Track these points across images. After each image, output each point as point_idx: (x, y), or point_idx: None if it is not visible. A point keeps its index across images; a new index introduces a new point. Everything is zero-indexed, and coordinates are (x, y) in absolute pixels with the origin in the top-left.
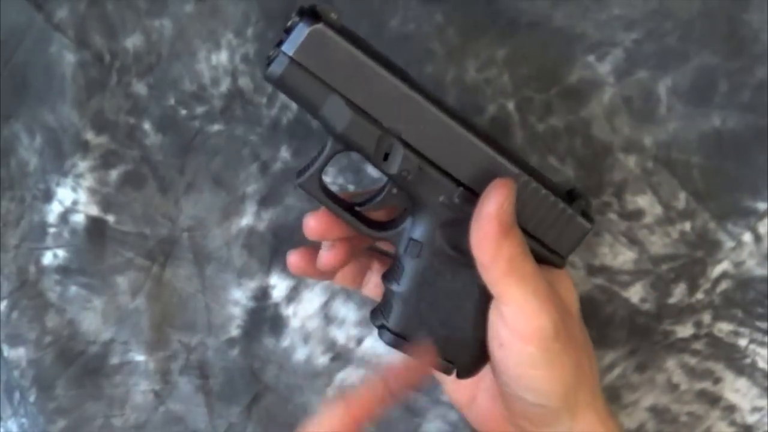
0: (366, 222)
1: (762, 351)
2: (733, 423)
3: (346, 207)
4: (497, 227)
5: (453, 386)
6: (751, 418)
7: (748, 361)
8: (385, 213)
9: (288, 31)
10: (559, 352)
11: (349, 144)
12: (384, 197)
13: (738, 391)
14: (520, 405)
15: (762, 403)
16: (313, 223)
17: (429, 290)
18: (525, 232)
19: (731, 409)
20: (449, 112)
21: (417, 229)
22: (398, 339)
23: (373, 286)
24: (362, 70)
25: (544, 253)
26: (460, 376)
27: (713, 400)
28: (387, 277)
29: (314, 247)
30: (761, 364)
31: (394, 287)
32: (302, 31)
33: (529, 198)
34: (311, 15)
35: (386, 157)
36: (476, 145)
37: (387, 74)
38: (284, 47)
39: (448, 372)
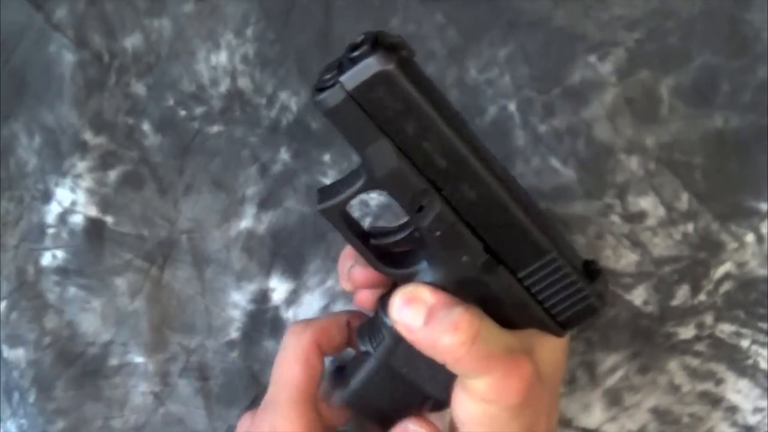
0: (378, 255)
1: (764, 352)
2: (734, 424)
3: (361, 237)
4: (413, 338)
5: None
6: (752, 419)
7: (750, 362)
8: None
9: (353, 60)
10: (509, 418)
11: (384, 188)
12: (404, 238)
13: (740, 392)
14: None
15: (764, 404)
16: (360, 277)
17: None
18: (534, 298)
19: (733, 410)
20: (497, 176)
21: (430, 275)
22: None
23: None
24: (421, 122)
25: (548, 321)
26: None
27: (715, 401)
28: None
29: None
30: (763, 365)
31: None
32: (369, 69)
33: (549, 273)
34: (384, 49)
35: (420, 209)
36: (517, 217)
37: (445, 129)
38: (344, 79)
39: None
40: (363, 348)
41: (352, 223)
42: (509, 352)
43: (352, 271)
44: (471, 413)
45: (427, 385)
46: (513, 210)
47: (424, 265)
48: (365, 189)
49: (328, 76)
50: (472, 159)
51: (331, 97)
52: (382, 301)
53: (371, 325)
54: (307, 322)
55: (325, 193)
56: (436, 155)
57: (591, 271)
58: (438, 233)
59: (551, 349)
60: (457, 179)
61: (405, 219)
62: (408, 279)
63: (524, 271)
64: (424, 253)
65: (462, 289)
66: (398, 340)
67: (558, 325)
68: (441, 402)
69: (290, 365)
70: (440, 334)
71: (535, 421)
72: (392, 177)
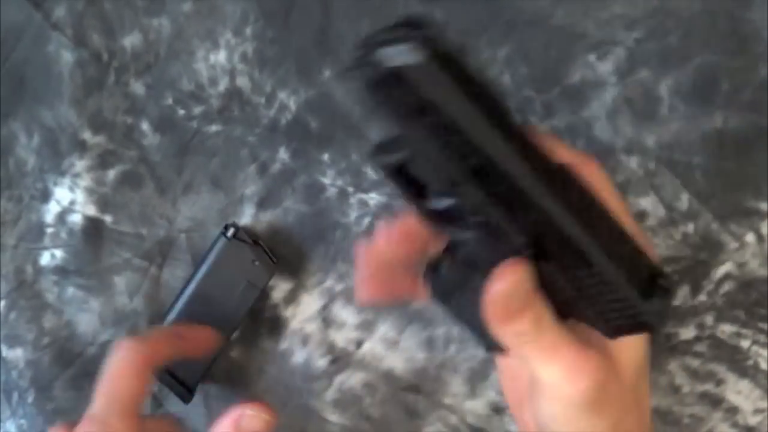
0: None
1: (764, 352)
2: (735, 425)
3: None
4: (495, 313)
5: (508, 383)
6: (753, 420)
7: (750, 362)
8: None
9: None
10: (588, 417)
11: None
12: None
13: (740, 392)
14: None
15: (764, 404)
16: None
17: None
18: (585, 300)
19: (733, 410)
20: (532, 177)
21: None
22: None
23: None
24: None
25: (598, 324)
26: None
27: (715, 402)
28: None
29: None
30: (763, 366)
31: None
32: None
33: (596, 282)
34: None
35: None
36: (556, 220)
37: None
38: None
39: None
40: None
41: (411, 181)
42: (576, 344)
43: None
44: (549, 414)
45: None
46: (552, 213)
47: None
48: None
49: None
50: (501, 159)
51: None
52: None
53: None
54: (139, 337)
55: (383, 148)
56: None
57: (654, 285)
58: (477, 219)
59: (629, 347)
60: (490, 178)
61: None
62: (460, 233)
63: (571, 274)
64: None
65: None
66: None
67: (609, 330)
68: None
69: (122, 379)
70: (504, 318)
71: (618, 420)
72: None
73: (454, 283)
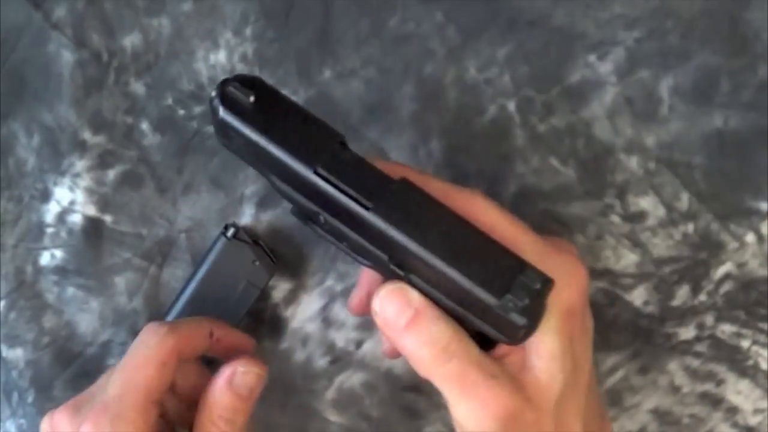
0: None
1: (764, 353)
2: (735, 425)
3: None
4: (389, 331)
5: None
6: (753, 420)
7: (750, 362)
8: None
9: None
10: None
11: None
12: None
13: (740, 393)
14: None
15: (764, 404)
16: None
17: None
18: (466, 311)
19: (734, 411)
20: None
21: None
22: None
23: None
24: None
25: (491, 332)
26: None
27: (715, 402)
28: None
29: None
30: (764, 366)
31: None
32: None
33: (452, 289)
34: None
35: (314, 221)
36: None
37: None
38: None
39: None
40: None
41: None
42: (488, 379)
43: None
44: None
45: None
46: (382, 227)
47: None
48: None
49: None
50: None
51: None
52: None
53: None
54: (171, 325)
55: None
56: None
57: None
58: (344, 244)
59: (546, 373)
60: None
61: None
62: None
63: (435, 284)
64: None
65: None
66: None
67: (504, 336)
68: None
69: (146, 368)
70: (419, 345)
71: None
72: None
73: None
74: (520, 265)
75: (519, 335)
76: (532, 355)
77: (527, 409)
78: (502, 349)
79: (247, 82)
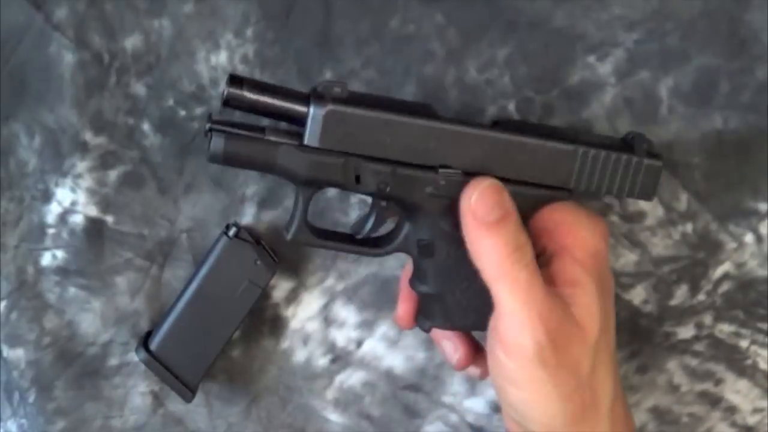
0: (370, 244)
1: (763, 352)
2: (734, 424)
3: (346, 240)
4: (475, 225)
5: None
6: (751, 419)
7: (749, 362)
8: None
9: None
10: (542, 377)
11: (317, 183)
12: (377, 215)
13: (739, 392)
14: (509, 413)
15: (763, 404)
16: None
17: (457, 278)
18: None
19: (732, 410)
20: (393, 107)
21: (421, 230)
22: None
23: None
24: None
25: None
26: None
27: (714, 401)
28: (414, 282)
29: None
30: (762, 365)
31: (425, 289)
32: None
33: (585, 164)
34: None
35: (358, 179)
36: (429, 126)
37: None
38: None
39: None
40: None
41: (329, 234)
42: (550, 295)
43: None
44: (507, 369)
45: None
46: (423, 124)
47: (407, 227)
48: (307, 196)
49: (207, 126)
50: (355, 110)
51: (216, 144)
52: None
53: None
54: None
55: (287, 225)
56: (327, 130)
57: (629, 142)
58: (388, 188)
59: (584, 308)
60: (361, 136)
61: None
62: (405, 246)
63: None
64: (402, 217)
65: (455, 220)
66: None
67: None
68: None
69: None
70: (501, 244)
71: (576, 364)
72: (312, 171)
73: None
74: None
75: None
76: (577, 291)
77: (575, 335)
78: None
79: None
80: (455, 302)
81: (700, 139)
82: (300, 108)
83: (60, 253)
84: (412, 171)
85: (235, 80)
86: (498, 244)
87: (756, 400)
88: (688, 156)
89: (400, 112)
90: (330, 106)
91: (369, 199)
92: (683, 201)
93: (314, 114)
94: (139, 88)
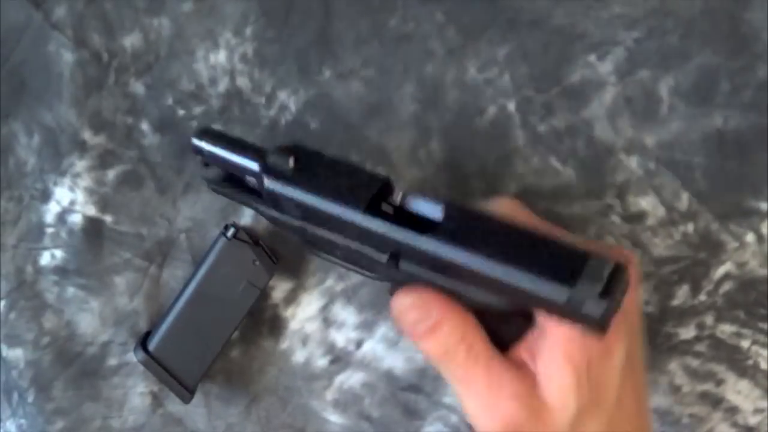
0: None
1: (764, 352)
2: (735, 424)
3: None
4: (407, 331)
5: None
6: (753, 420)
7: (750, 362)
8: None
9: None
10: None
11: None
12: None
13: (740, 392)
14: None
15: (764, 404)
16: None
17: None
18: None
19: (733, 410)
20: (336, 188)
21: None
22: None
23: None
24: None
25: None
26: None
27: (715, 401)
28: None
29: None
30: (763, 366)
31: None
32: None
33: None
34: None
35: (314, 240)
36: (359, 225)
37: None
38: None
39: None
40: None
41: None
42: (496, 381)
43: None
44: None
45: None
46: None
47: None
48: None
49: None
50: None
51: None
52: None
53: None
54: None
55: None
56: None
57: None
58: (343, 254)
59: (561, 392)
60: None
61: None
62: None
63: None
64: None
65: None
66: None
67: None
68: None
69: None
70: (435, 351)
71: None
72: (276, 224)
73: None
74: (584, 255)
75: (601, 326)
76: (542, 377)
77: (533, 424)
78: (519, 354)
79: (286, 149)
80: None
81: (701, 138)
82: (254, 169)
83: (59, 253)
84: (360, 248)
85: (200, 132)
86: (430, 350)
87: (757, 400)
88: (689, 155)
89: (338, 197)
90: (269, 184)
91: None
92: (684, 201)
93: (265, 182)
94: (138, 87)
